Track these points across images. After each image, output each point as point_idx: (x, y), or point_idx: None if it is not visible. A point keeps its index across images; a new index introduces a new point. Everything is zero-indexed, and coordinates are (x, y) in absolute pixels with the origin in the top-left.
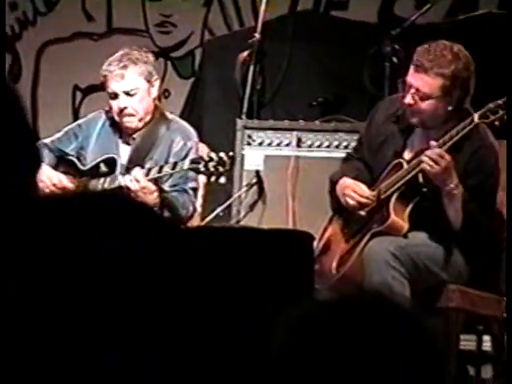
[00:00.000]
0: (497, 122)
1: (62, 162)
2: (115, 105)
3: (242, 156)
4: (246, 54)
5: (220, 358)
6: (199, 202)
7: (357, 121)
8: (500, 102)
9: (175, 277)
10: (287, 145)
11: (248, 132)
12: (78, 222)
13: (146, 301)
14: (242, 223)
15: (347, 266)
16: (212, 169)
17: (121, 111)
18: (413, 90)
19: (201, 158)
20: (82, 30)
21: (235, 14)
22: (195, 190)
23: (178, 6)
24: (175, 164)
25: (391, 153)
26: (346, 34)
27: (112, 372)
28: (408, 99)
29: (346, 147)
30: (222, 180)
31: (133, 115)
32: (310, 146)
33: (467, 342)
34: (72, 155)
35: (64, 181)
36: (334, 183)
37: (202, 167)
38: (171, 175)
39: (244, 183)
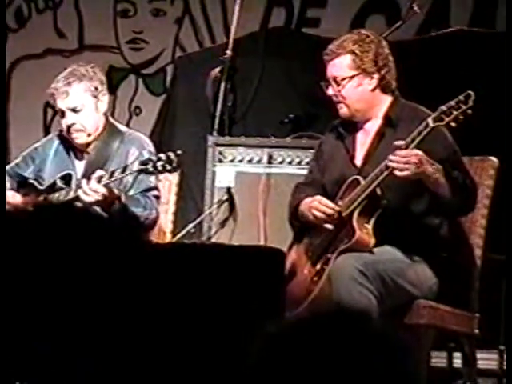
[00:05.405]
0: (452, 123)
1: (23, 186)
2: (63, 122)
3: (213, 173)
4: (217, 70)
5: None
6: (170, 218)
7: None
8: (452, 102)
9: (146, 291)
10: (258, 161)
11: (219, 149)
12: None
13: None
14: (213, 240)
15: (318, 288)
16: (160, 168)
17: (69, 128)
18: (332, 82)
19: (149, 159)
20: (54, 47)
21: (207, 31)
22: (157, 197)
23: (150, 23)
24: (125, 168)
25: (340, 164)
26: (317, 51)
27: None
28: (329, 91)
29: None
30: (170, 177)
31: (81, 130)
32: (281, 163)
33: (438, 359)
34: (31, 178)
35: (17, 198)
36: (294, 208)
37: (150, 167)
38: (132, 185)
39: (215, 200)
